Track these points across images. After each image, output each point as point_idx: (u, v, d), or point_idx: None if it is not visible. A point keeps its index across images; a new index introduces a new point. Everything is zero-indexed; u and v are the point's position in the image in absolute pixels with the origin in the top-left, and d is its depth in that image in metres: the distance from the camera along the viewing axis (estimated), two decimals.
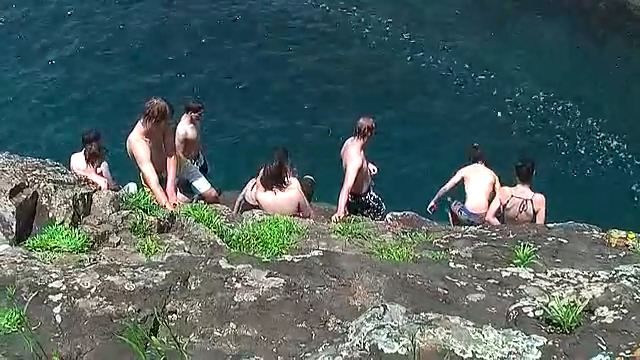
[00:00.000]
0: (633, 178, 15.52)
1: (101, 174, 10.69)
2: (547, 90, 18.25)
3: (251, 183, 11.20)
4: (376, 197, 11.28)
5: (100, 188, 6.82)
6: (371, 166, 11.11)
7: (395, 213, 11.13)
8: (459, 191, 11.89)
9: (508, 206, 10.42)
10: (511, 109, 17.71)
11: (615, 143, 16.47)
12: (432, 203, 11.97)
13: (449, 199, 12.29)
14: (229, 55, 20.56)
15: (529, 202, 10.26)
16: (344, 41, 21.28)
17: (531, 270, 4.82)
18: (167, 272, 4.37)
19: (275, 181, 9.70)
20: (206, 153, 12.91)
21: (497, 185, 11.34)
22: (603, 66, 19.19)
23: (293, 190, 9.88)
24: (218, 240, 6.22)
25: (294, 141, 15.81)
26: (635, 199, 14.96)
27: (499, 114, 17.10)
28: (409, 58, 20.19)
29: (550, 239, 6.67)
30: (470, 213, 11.50)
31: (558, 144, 16.60)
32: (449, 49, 20.34)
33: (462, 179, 11.65)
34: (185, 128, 11.94)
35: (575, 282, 4.42)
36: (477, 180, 11.57)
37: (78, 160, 10.83)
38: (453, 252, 6.37)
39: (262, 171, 10.12)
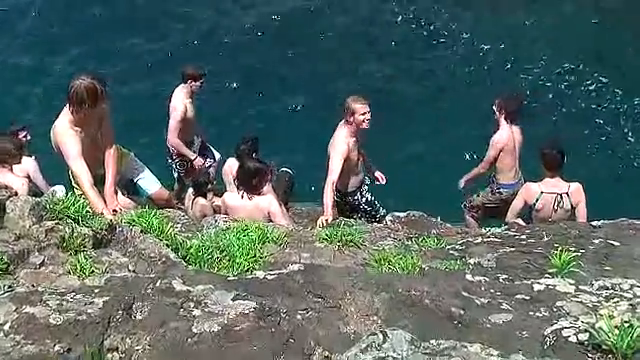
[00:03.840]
0: None
1: (28, 176, 10.62)
2: (573, 65, 18.32)
3: (188, 199, 11.27)
4: (369, 199, 11.18)
5: (16, 194, 6.72)
6: (378, 174, 11.11)
7: (397, 214, 11.08)
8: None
9: (538, 206, 10.33)
10: (531, 89, 17.78)
11: None
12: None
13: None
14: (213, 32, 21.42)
15: (564, 196, 10.21)
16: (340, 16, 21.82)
17: (572, 281, 4.80)
18: (105, 298, 4.31)
19: (245, 185, 9.76)
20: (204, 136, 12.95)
21: None
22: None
23: (264, 197, 9.88)
24: (171, 255, 6.15)
25: (272, 127, 15.83)
26: None
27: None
28: (414, 34, 20.38)
29: (596, 241, 6.65)
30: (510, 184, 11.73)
31: (594, 128, 16.64)
32: (458, 23, 20.47)
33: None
34: (184, 103, 11.71)
35: (630, 296, 4.40)
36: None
37: None
38: (471, 261, 6.36)
39: (237, 169, 10.21)
